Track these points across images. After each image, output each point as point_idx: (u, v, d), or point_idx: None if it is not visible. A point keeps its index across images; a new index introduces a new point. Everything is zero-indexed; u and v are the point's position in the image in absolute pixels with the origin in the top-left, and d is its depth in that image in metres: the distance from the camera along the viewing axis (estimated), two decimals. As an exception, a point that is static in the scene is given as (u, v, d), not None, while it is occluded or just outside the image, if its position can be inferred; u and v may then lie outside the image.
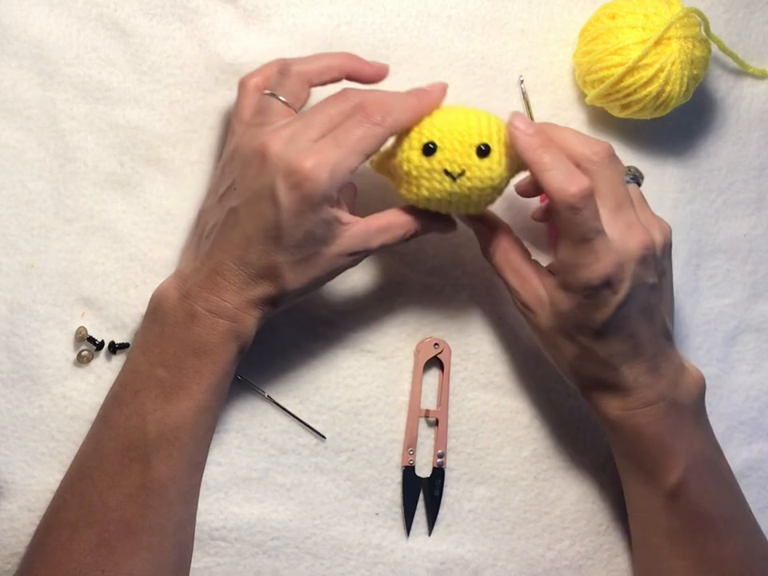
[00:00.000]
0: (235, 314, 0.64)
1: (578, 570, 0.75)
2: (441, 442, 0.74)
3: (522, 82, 0.76)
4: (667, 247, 0.67)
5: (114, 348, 0.70)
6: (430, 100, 0.66)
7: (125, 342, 0.71)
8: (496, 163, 0.65)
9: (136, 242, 0.72)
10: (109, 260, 0.71)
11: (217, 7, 0.74)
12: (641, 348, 0.66)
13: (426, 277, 0.75)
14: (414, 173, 0.65)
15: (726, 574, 0.67)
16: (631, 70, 0.71)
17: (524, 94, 0.76)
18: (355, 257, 0.66)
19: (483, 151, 0.64)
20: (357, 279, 0.74)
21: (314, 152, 0.62)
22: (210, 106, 0.73)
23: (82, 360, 0.70)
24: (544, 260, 0.75)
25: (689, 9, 0.72)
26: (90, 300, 0.71)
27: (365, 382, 0.74)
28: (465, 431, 0.75)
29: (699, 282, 0.79)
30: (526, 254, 0.70)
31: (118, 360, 0.70)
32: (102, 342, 0.70)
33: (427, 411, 0.74)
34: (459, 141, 0.64)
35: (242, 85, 0.68)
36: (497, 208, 0.76)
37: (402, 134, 0.66)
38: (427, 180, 0.65)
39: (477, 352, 0.75)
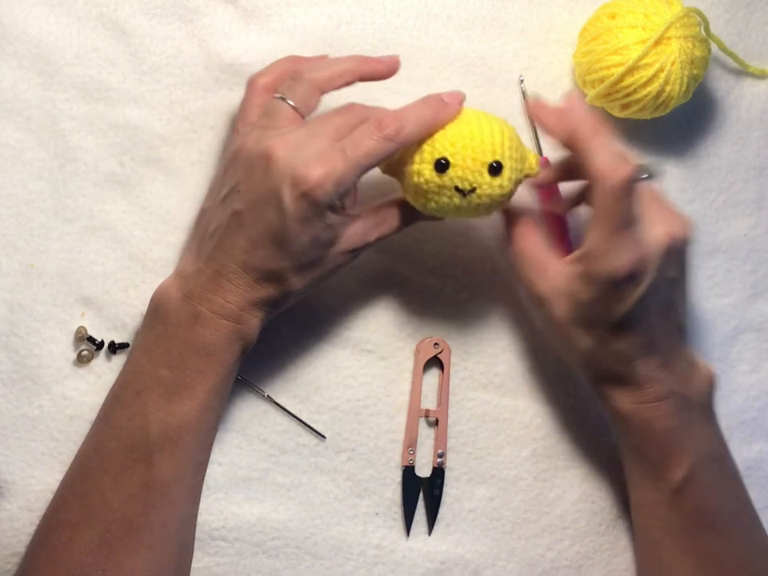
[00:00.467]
0: (239, 316, 0.64)
1: (577, 570, 0.75)
2: (441, 441, 0.74)
3: (521, 81, 0.76)
4: (689, 241, 0.67)
5: (114, 348, 0.70)
6: (446, 114, 0.65)
7: (125, 341, 0.71)
8: (507, 180, 0.65)
9: (136, 242, 0.72)
10: (109, 260, 0.71)
11: (217, 7, 0.74)
12: (656, 342, 0.66)
13: (426, 277, 0.75)
14: (425, 187, 0.65)
15: (729, 571, 0.67)
16: (631, 70, 0.71)
17: (524, 93, 0.76)
18: (354, 253, 0.66)
19: (495, 168, 0.64)
20: (357, 279, 0.74)
21: (322, 161, 0.61)
22: (210, 106, 0.73)
23: (82, 360, 0.70)
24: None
25: (689, 9, 0.72)
26: (90, 300, 0.71)
27: (365, 382, 0.74)
28: (465, 431, 0.75)
29: (699, 282, 0.79)
30: (546, 244, 0.69)
31: (118, 360, 0.70)
32: (102, 342, 0.70)
33: (427, 411, 0.74)
34: (472, 158, 0.64)
35: (251, 84, 0.68)
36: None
37: (414, 144, 0.65)
38: (437, 194, 0.65)
39: (477, 352, 0.75)
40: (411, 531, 0.73)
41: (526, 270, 0.69)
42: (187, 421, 0.64)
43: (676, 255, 0.65)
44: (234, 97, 0.71)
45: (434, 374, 0.75)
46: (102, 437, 0.66)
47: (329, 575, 0.72)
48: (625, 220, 0.63)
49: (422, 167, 0.65)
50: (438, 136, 0.65)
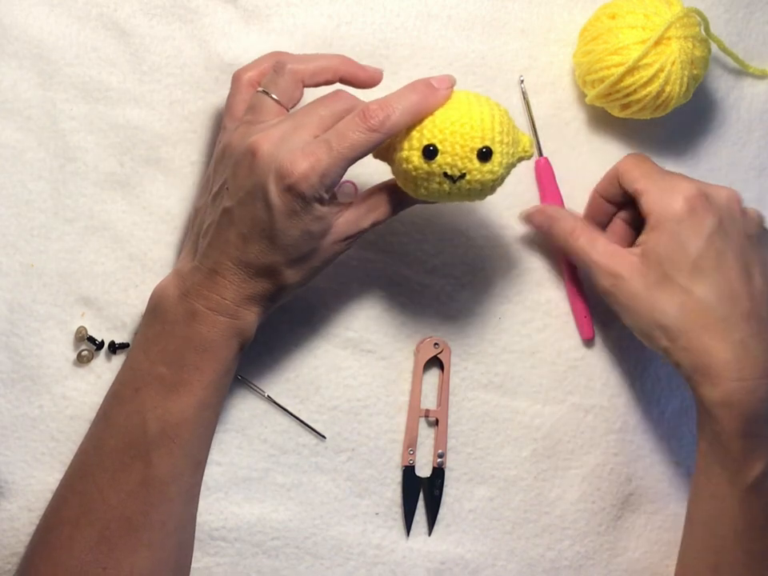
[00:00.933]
0: (236, 311, 0.64)
1: (577, 570, 0.75)
2: (441, 441, 0.74)
3: (522, 82, 0.76)
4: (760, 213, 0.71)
5: (114, 348, 0.70)
6: (434, 100, 0.64)
7: (125, 341, 0.71)
8: (497, 165, 0.64)
9: (136, 242, 0.72)
10: (109, 260, 0.71)
11: (217, 7, 0.74)
12: (740, 301, 0.66)
13: (425, 277, 0.75)
14: (414, 173, 0.64)
15: None
16: (631, 70, 0.71)
17: (524, 94, 0.76)
18: (349, 241, 0.66)
19: (485, 154, 0.64)
20: (357, 279, 0.74)
21: (306, 154, 0.61)
22: (210, 106, 0.73)
23: (81, 360, 0.70)
24: (547, 260, 0.75)
25: (689, 9, 0.72)
26: (89, 300, 0.71)
27: (365, 382, 0.74)
28: (465, 431, 0.75)
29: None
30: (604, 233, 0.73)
31: (118, 360, 0.70)
32: (102, 342, 0.70)
33: (427, 411, 0.74)
34: (461, 144, 0.63)
35: (236, 79, 0.68)
36: (496, 207, 0.76)
37: (403, 130, 0.64)
38: (426, 181, 0.64)
39: (477, 352, 0.75)
40: (411, 531, 0.73)
41: (597, 259, 0.70)
42: (185, 418, 0.64)
43: (750, 213, 0.69)
44: (234, 97, 0.71)
45: (434, 374, 0.75)
46: (100, 435, 0.66)
47: (329, 575, 0.72)
48: (667, 172, 0.69)
49: (410, 154, 0.64)
50: (426, 122, 0.64)
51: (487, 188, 0.65)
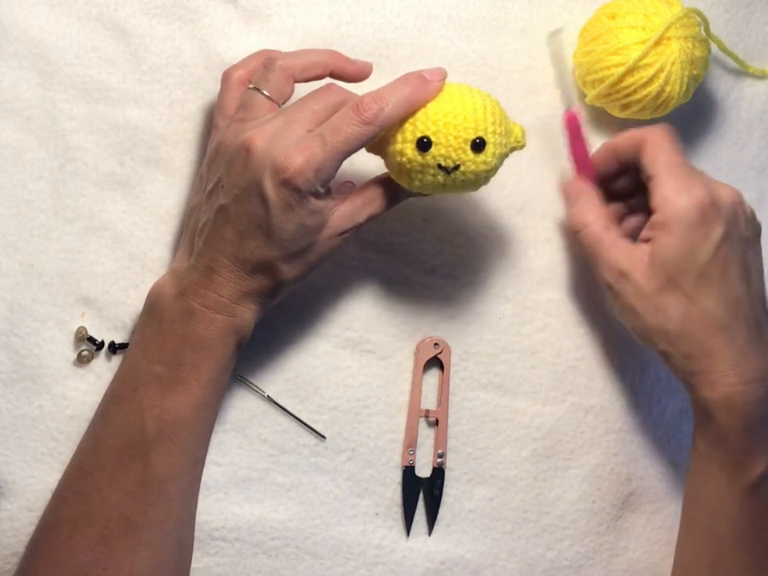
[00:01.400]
0: (233, 309, 0.64)
1: (577, 570, 0.75)
2: (441, 441, 0.74)
3: (556, 34, 0.75)
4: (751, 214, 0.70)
5: (114, 348, 0.70)
6: (427, 92, 0.64)
7: (125, 341, 0.71)
8: (491, 155, 0.64)
9: (136, 242, 0.72)
10: (109, 260, 0.71)
11: (217, 7, 0.74)
12: (742, 307, 0.66)
13: (426, 277, 0.75)
14: (408, 166, 0.65)
15: None
16: (631, 70, 0.71)
17: (557, 47, 0.75)
18: (345, 235, 0.66)
19: (478, 145, 0.64)
20: (357, 279, 0.74)
21: (301, 149, 0.61)
22: (210, 106, 0.73)
23: (81, 360, 0.70)
24: (547, 260, 0.75)
25: (689, 9, 0.72)
26: (89, 300, 0.71)
27: (365, 382, 0.74)
28: (465, 431, 0.75)
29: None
30: (612, 223, 0.72)
31: (118, 360, 0.70)
32: (102, 342, 0.70)
33: (427, 411, 0.74)
34: (454, 136, 0.64)
35: (226, 77, 0.68)
36: (496, 207, 0.76)
37: (396, 123, 0.65)
38: (420, 173, 0.65)
39: (477, 352, 0.75)
40: (411, 531, 0.73)
41: (607, 254, 0.69)
42: (183, 417, 0.64)
43: (743, 213, 0.68)
44: (233, 97, 0.71)
45: (434, 374, 0.75)
46: (99, 434, 0.66)
47: (329, 575, 0.72)
48: (686, 165, 0.67)
49: (404, 146, 0.64)
50: (419, 114, 0.64)
51: (481, 179, 0.65)
